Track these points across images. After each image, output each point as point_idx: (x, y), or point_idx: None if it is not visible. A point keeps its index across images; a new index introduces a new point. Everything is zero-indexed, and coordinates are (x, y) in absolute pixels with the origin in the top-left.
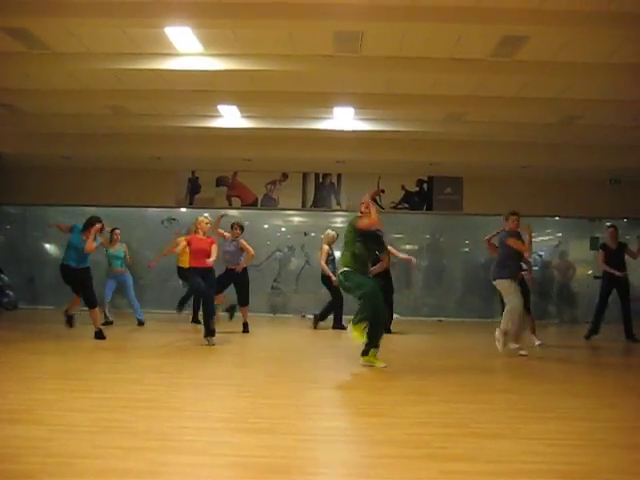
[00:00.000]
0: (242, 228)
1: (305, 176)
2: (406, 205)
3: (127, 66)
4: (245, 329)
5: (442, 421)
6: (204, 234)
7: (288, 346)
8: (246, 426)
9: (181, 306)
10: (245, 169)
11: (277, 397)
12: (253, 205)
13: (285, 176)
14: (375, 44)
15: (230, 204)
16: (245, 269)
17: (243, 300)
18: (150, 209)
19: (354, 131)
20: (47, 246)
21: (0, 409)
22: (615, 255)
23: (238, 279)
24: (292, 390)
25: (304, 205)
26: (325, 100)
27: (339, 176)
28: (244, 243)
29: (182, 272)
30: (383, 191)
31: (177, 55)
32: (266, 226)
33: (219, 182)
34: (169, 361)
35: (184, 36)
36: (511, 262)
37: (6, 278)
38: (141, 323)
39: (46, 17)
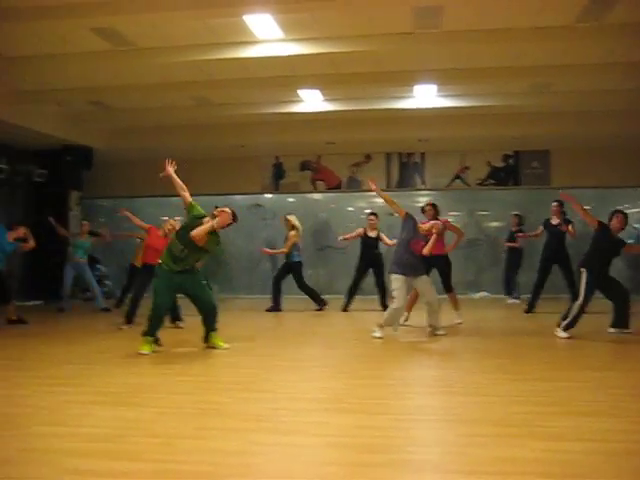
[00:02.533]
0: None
1: (388, 156)
2: (492, 181)
3: (209, 57)
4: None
5: (539, 399)
6: None
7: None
8: (341, 407)
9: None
10: (328, 152)
11: (370, 377)
12: (337, 188)
13: (368, 157)
14: (456, 18)
15: (315, 188)
16: None
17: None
18: (236, 196)
19: (436, 108)
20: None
21: (105, 392)
22: None
23: None
24: (384, 370)
25: (388, 185)
26: (406, 78)
27: (423, 155)
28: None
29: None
30: (468, 168)
31: (257, 42)
32: (351, 208)
33: (303, 166)
34: (260, 344)
35: (264, 23)
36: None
37: (103, 269)
38: (105, 309)
39: (131, 14)
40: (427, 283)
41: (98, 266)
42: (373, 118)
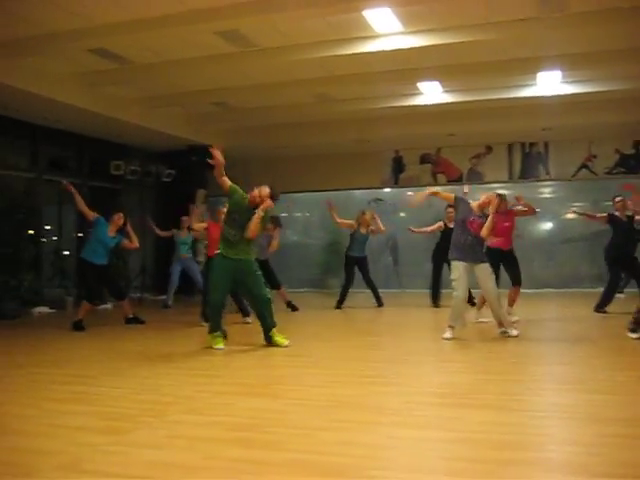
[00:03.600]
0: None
1: (510, 147)
2: (622, 169)
3: (329, 53)
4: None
5: None
6: None
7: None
8: (471, 402)
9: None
10: (448, 144)
11: (497, 373)
12: (458, 180)
13: (489, 149)
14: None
15: (435, 181)
16: None
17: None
18: (357, 191)
19: (560, 95)
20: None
21: (239, 383)
22: None
23: None
24: (512, 366)
25: (511, 177)
26: (529, 66)
27: (546, 144)
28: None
29: None
30: (595, 156)
31: (377, 37)
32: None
33: (423, 159)
34: (384, 339)
35: (383, 17)
36: None
37: None
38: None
39: (253, 16)
40: (486, 271)
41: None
42: (494, 108)
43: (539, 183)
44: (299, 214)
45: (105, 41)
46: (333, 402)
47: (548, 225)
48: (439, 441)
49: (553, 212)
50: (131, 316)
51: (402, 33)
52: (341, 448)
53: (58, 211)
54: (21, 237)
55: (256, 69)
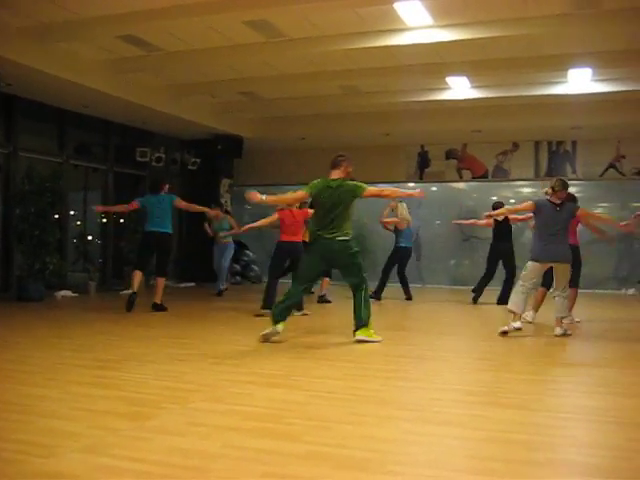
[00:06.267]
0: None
1: (537, 145)
2: None
3: (358, 45)
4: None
5: None
6: None
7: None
8: (497, 400)
9: None
10: (475, 140)
11: (521, 372)
12: (484, 177)
13: (516, 146)
14: None
15: (460, 177)
16: None
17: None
18: (380, 184)
19: (591, 94)
20: None
21: (261, 373)
22: None
23: None
24: (535, 366)
25: (537, 175)
26: (559, 63)
27: (574, 143)
28: None
29: None
30: (624, 156)
31: (406, 30)
32: (495, 198)
33: (449, 155)
34: (408, 334)
35: (414, 9)
36: None
37: (252, 254)
38: (219, 293)
39: (282, 6)
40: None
41: (247, 252)
42: (522, 105)
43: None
44: None
45: (134, 28)
46: (354, 395)
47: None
48: (461, 439)
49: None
50: (159, 302)
51: (432, 26)
52: (361, 442)
53: (83, 196)
54: (47, 221)
55: (284, 59)
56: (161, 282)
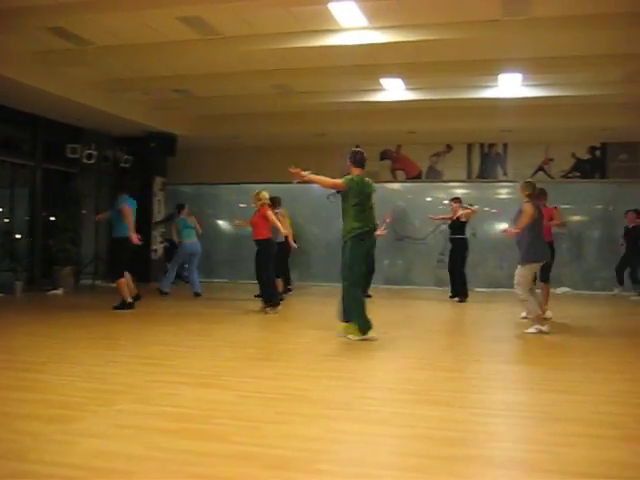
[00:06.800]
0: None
1: (470, 147)
2: (577, 174)
3: (292, 45)
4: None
5: (638, 401)
6: None
7: (459, 318)
8: (424, 398)
9: None
10: (409, 142)
11: (454, 370)
12: (417, 178)
13: (449, 147)
14: (545, 4)
15: (394, 177)
16: None
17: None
18: (314, 185)
19: (521, 98)
20: (220, 223)
21: (191, 374)
22: None
23: None
24: (467, 363)
25: (469, 176)
26: (491, 67)
27: (505, 146)
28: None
29: None
30: (552, 159)
31: (341, 30)
32: (429, 199)
33: (383, 156)
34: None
35: (348, 10)
36: None
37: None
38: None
39: (217, 3)
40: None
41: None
42: (455, 107)
43: (497, 183)
44: None
45: (64, 20)
46: (284, 395)
47: (504, 226)
48: (387, 436)
49: (509, 213)
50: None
51: (366, 28)
52: (289, 441)
53: (10, 194)
54: None
55: (218, 57)
56: None
